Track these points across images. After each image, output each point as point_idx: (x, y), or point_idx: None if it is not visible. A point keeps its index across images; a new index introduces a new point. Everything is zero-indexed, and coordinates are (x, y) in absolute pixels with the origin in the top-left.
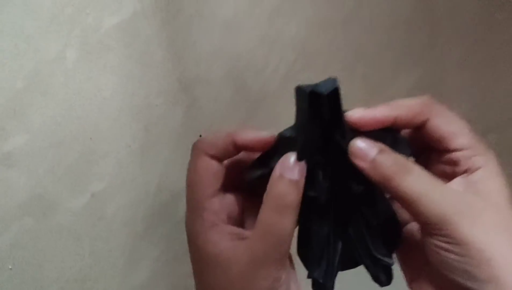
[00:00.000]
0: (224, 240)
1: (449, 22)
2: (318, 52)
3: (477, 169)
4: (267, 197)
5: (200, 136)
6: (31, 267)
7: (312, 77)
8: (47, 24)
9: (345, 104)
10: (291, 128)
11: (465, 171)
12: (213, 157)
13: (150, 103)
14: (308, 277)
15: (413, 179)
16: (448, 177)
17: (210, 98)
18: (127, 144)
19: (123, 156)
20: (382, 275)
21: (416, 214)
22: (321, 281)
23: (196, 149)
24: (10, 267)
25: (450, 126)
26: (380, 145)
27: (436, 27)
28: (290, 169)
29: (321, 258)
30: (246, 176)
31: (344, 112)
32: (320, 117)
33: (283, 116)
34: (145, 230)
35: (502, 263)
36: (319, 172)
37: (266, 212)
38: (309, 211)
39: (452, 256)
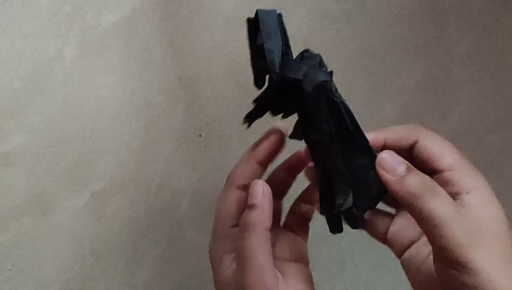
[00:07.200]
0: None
1: (455, 15)
2: (321, 47)
3: (468, 191)
4: None
5: (200, 135)
6: (30, 267)
7: None
8: (45, 23)
9: (350, 99)
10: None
11: (457, 193)
12: (243, 187)
13: (150, 101)
14: (338, 210)
15: (439, 202)
16: None
17: (211, 95)
18: (127, 142)
19: (123, 155)
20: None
21: (436, 236)
22: (353, 209)
23: (227, 182)
24: (9, 268)
25: (437, 147)
26: (407, 163)
27: (441, 20)
28: (251, 196)
29: (347, 188)
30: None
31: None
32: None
33: None
34: (147, 229)
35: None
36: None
37: (239, 235)
38: (321, 155)
39: (461, 280)
